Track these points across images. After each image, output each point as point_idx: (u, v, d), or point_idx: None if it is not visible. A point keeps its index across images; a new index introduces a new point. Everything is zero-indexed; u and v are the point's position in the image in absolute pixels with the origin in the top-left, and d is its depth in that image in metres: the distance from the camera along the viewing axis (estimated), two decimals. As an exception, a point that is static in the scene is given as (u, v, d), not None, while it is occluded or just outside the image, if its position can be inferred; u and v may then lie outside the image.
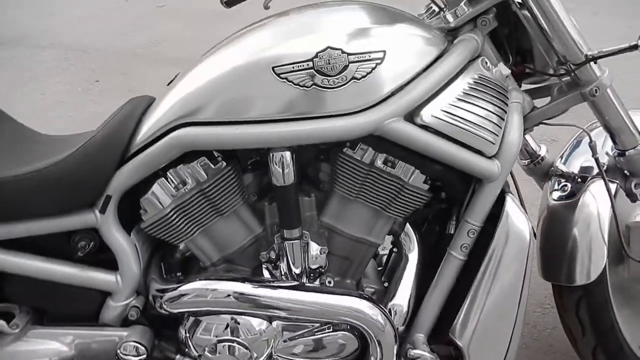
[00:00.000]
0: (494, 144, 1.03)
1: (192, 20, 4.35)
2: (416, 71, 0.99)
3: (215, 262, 1.12)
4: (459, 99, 1.00)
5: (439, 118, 0.99)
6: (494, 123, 1.02)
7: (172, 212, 1.05)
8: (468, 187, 1.10)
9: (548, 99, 1.21)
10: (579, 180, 1.26)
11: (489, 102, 1.03)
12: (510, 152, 1.05)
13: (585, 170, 1.28)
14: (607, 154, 1.27)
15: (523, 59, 1.18)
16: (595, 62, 1.09)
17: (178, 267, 1.16)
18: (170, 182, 1.05)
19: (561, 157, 1.36)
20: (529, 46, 1.16)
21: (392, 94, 0.98)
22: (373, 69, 0.96)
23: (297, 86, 0.96)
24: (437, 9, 1.19)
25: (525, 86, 1.23)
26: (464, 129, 1.00)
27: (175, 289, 1.06)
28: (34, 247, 1.08)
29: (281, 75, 0.96)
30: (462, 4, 1.06)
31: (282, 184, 1.02)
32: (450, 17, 1.07)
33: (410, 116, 0.99)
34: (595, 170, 1.24)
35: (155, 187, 1.04)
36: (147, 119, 1.05)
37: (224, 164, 1.04)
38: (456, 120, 1.00)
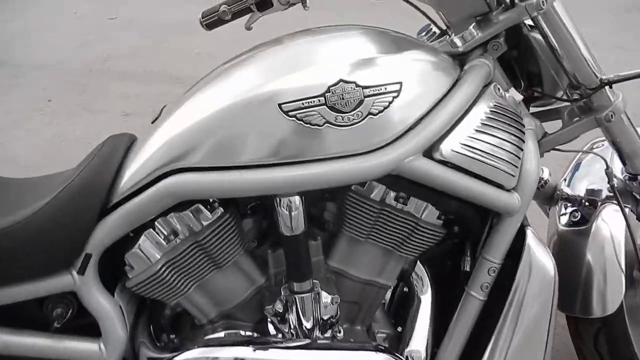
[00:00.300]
0: (513, 176, 0.96)
1: (146, 33, 4.17)
2: (433, 103, 0.90)
3: (212, 319, 1.00)
4: (477, 131, 0.93)
5: (458, 152, 0.91)
6: (513, 154, 0.95)
7: (163, 268, 0.92)
8: (484, 221, 1.02)
9: (552, 121, 1.16)
10: (587, 204, 1.22)
11: (507, 132, 0.95)
12: (530, 183, 0.98)
13: (592, 193, 1.24)
14: (615, 176, 1.22)
15: (530, 82, 1.12)
16: (610, 87, 1.03)
17: (169, 326, 1.02)
18: (160, 234, 0.92)
19: (565, 179, 1.31)
20: (536, 69, 1.09)
21: (410, 128, 0.89)
22: (390, 102, 0.87)
23: (308, 125, 0.85)
24: (437, 31, 1.12)
25: (531, 109, 1.17)
26: (484, 162, 0.92)
27: (170, 359, 0.93)
28: None
29: (289, 113, 0.85)
30: (470, 27, 0.98)
31: (291, 233, 0.91)
32: (458, 42, 0.99)
33: (429, 151, 0.91)
34: (604, 194, 1.20)
35: (143, 240, 0.91)
36: (130, 162, 0.92)
37: (221, 210, 0.92)
38: (476, 153, 0.92)
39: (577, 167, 1.34)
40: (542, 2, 0.94)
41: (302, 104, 0.85)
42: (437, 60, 0.96)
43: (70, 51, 3.92)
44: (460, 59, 1.01)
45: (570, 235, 1.20)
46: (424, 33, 1.12)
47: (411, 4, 1.07)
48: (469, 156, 0.91)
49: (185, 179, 0.87)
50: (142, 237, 0.91)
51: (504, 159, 0.94)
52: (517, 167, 0.96)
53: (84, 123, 2.98)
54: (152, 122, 0.95)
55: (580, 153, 1.32)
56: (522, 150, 0.97)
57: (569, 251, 1.20)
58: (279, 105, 0.85)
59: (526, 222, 1.05)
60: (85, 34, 4.21)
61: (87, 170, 0.92)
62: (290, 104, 0.85)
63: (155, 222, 0.92)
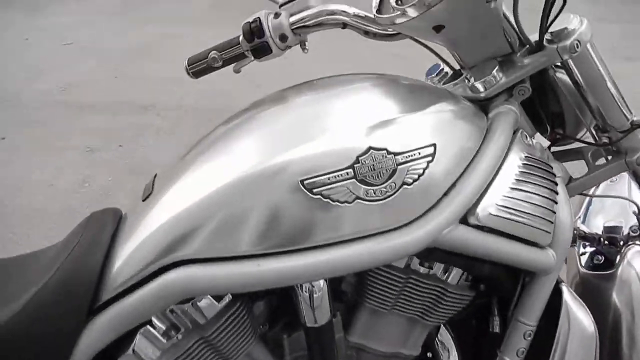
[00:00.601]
0: (549, 232, 0.87)
1: (106, 59, 3.97)
2: (468, 162, 0.81)
3: None
4: (512, 189, 0.84)
5: (496, 215, 0.82)
6: (548, 209, 0.87)
7: None
8: (515, 281, 0.94)
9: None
10: (607, 242, 1.16)
11: (541, 185, 0.87)
12: (565, 236, 0.90)
13: (611, 230, 1.19)
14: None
15: (552, 123, 1.04)
16: None
17: None
18: (158, 330, 0.79)
19: (579, 217, 1.26)
20: (558, 109, 1.02)
21: (445, 194, 0.79)
22: (425, 169, 0.76)
23: (336, 202, 0.73)
24: (449, 71, 1.03)
25: (552, 149, 1.09)
26: (522, 222, 0.84)
27: None
28: None
29: (314, 191, 0.73)
30: (493, 71, 0.89)
31: (315, 324, 0.79)
32: (480, 87, 0.90)
33: (464, 216, 0.81)
34: (624, 231, 1.17)
35: (139, 340, 0.78)
36: (121, 250, 0.78)
37: (229, 297, 0.79)
38: (513, 214, 0.83)
39: (590, 203, 1.29)
40: (576, 44, 0.86)
41: (328, 178, 0.73)
42: (464, 111, 0.86)
43: (23, 82, 3.69)
44: (481, 105, 0.93)
45: (594, 280, 1.15)
46: (434, 74, 1.03)
47: (422, 44, 0.97)
48: (506, 218, 0.82)
49: (191, 273, 0.74)
50: (138, 336, 0.78)
51: (539, 217, 0.85)
52: (552, 222, 0.88)
53: (43, 162, 2.77)
54: (144, 200, 0.81)
55: (594, 191, 1.27)
56: (556, 203, 0.89)
57: (594, 296, 1.13)
58: (302, 182, 0.73)
59: (559, 278, 0.97)
60: (38, 62, 3.98)
61: (69, 262, 0.77)
62: (313, 179, 0.73)
63: (152, 317, 0.79)
